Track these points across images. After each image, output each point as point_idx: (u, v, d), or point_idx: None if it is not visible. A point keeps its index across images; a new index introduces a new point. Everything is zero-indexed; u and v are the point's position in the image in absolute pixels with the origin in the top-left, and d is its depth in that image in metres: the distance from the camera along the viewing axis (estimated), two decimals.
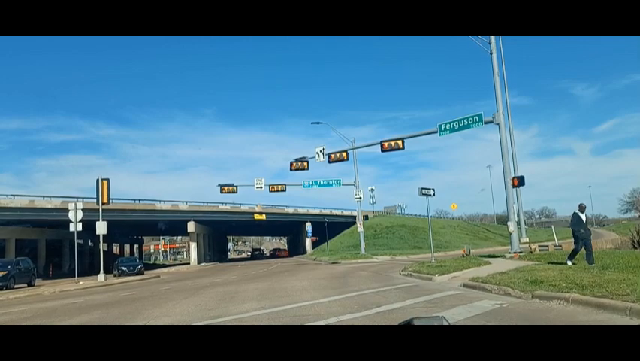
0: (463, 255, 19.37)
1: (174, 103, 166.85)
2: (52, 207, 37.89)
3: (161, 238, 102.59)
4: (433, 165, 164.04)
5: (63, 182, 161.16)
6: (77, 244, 52.83)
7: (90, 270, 49.48)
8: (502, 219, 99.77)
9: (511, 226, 19.87)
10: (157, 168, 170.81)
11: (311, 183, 35.09)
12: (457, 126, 21.83)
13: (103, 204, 25.33)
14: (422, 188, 19.19)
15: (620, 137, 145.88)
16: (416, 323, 1.72)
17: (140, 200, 45.21)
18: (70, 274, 38.27)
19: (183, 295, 14.79)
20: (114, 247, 68.40)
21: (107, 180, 24.74)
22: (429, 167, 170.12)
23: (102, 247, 25.55)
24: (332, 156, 26.56)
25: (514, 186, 20.19)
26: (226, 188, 34.70)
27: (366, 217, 37.57)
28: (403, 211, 79.92)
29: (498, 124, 20.64)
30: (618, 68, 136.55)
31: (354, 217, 71.63)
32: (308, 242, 61.65)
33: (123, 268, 33.74)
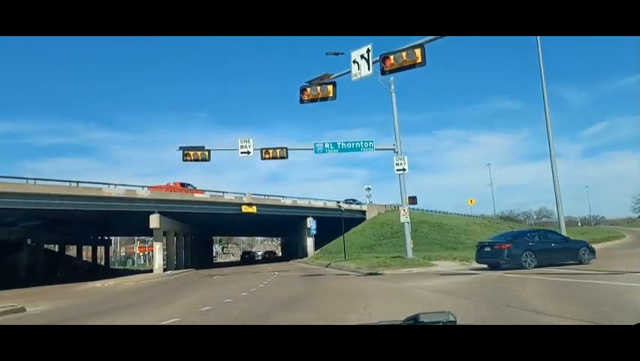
0: None
1: (167, 106, 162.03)
2: None
3: (136, 239, 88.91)
4: (426, 168, 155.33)
5: None
6: (28, 243, 40.61)
7: (50, 276, 38.44)
8: (505, 219, 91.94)
9: None
10: (150, 171, 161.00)
11: (327, 146, 22.03)
12: None
13: None
14: None
15: (609, 139, 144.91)
16: (422, 319, 1.69)
17: (78, 183, 31.61)
18: (28, 283, 28.47)
19: None
20: (66, 249, 54.93)
21: None
22: (421, 170, 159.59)
23: None
24: (389, 60, 13.00)
25: None
26: (192, 153, 21.83)
27: (414, 199, 24.80)
28: None
29: None
30: (608, 71, 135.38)
31: (364, 212, 58.61)
32: (309, 242, 48.38)
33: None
